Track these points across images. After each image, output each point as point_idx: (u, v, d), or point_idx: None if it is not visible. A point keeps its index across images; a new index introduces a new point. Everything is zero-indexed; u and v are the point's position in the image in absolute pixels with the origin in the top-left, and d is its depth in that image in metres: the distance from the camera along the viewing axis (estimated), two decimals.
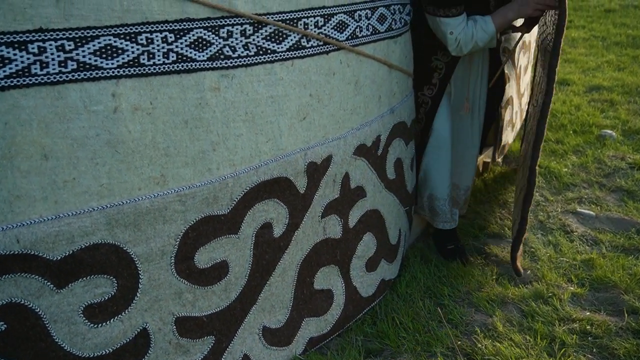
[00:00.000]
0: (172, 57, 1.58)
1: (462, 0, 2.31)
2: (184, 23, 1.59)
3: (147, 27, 1.53)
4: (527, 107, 3.63)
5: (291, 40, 1.81)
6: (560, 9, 2.24)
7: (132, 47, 1.52)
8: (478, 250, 2.92)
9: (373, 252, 2.33)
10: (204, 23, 1.62)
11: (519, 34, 2.82)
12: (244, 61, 1.71)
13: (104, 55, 1.48)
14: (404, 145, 2.43)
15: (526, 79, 4.01)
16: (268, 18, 1.74)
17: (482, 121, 2.89)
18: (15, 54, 1.37)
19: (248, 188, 1.79)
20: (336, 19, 1.95)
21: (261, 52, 1.75)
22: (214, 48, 1.65)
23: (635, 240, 2.94)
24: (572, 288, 2.56)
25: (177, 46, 1.58)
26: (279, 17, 1.77)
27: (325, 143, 1.99)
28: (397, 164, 2.39)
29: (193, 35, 1.61)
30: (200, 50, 1.63)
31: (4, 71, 1.36)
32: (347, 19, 1.98)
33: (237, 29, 1.68)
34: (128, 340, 1.64)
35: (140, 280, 1.63)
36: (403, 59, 2.34)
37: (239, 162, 1.76)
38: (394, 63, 2.26)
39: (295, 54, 1.83)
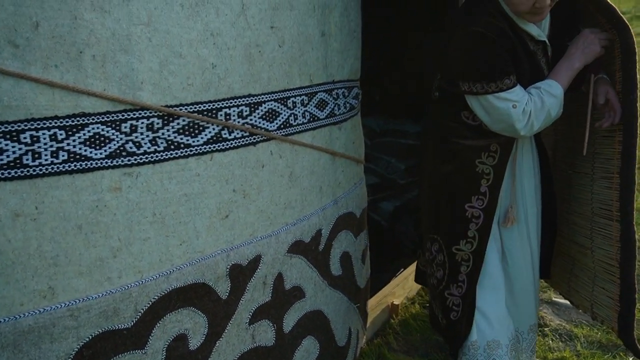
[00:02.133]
0: (63, 156, 1.44)
1: (512, 67, 1.98)
2: (78, 118, 1.45)
3: (31, 125, 1.39)
4: None
5: (209, 132, 1.68)
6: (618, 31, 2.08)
7: (13, 147, 1.37)
8: None
9: (315, 357, 2.13)
10: (102, 118, 1.49)
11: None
12: (152, 157, 1.57)
13: None
14: (352, 237, 2.26)
15: None
16: (181, 110, 1.61)
17: (539, 236, 2.35)
18: None
19: (157, 297, 1.62)
20: (265, 107, 1.82)
21: (172, 147, 1.60)
22: (115, 144, 1.51)
23: (613, 335, 2.75)
24: None
25: (68, 144, 1.44)
26: (195, 108, 1.64)
27: (252, 242, 1.83)
28: (344, 258, 2.22)
29: (89, 131, 1.47)
30: (98, 147, 1.48)
31: None
32: (278, 107, 1.86)
33: (142, 122, 1.55)
34: None
35: None
36: (350, 145, 2.21)
37: (146, 269, 1.60)
38: (338, 151, 2.13)
39: (214, 147, 1.69)
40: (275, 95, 1.85)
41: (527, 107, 1.99)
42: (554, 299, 3.07)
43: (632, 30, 2.08)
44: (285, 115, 1.88)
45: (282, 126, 1.87)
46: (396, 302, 3.05)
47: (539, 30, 2.09)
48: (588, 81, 2.17)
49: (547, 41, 2.12)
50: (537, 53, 2.10)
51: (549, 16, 2.14)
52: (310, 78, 1.97)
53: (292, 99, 1.90)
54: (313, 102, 1.99)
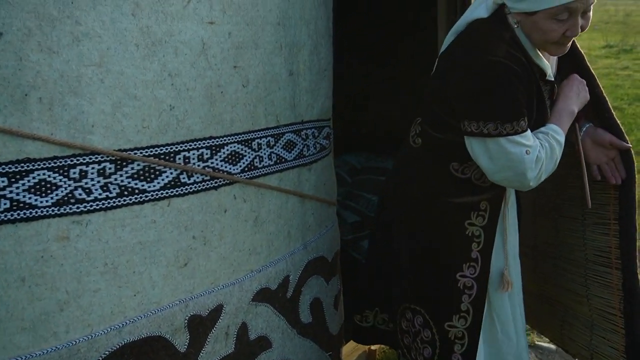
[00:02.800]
0: (5, 204, 1.36)
1: (525, 107, 1.81)
2: (22, 164, 1.38)
3: None
4: None
5: (167, 177, 1.61)
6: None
7: None
8: None
9: None
10: (49, 163, 1.42)
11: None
12: (103, 204, 1.50)
13: None
14: (323, 283, 2.19)
15: None
16: (135, 154, 1.54)
17: (521, 292, 2.17)
18: None
19: (107, 352, 1.53)
20: (228, 149, 1.76)
21: (126, 193, 1.54)
22: (62, 191, 1.44)
23: None
24: None
25: (11, 192, 1.37)
26: (151, 151, 1.57)
27: (213, 291, 1.75)
28: (315, 305, 2.14)
29: (34, 177, 1.40)
30: (43, 194, 1.41)
31: None
32: (242, 149, 1.80)
33: (93, 168, 1.48)
34: None
35: None
36: (321, 186, 2.15)
37: (96, 322, 1.51)
38: (308, 193, 2.07)
39: (172, 192, 1.62)
40: (239, 137, 1.79)
41: (540, 154, 1.81)
42: (537, 342, 2.99)
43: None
44: (249, 157, 1.82)
45: (246, 169, 1.81)
46: (374, 348, 2.96)
47: (549, 66, 1.95)
48: (574, 130, 2.06)
49: (555, 82, 2.00)
50: (544, 94, 1.95)
51: (554, 58, 2.03)
52: (277, 118, 1.91)
53: (257, 140, 1.85)
54: (280, 144, 1.93)
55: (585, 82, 2.01)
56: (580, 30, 1.78)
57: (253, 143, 1.83)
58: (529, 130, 1.81)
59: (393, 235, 2.13)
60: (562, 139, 1.89)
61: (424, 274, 2.04)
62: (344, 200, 3.84)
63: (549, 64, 1.93)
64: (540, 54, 1.89)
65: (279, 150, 1.92)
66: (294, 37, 1.95)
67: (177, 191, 1.64)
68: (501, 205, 1.99)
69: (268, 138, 1.89)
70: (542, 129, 1.90)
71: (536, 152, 1.80)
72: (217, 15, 1.68)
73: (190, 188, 1.67)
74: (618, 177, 2.04)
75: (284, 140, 1.95)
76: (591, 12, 1.80)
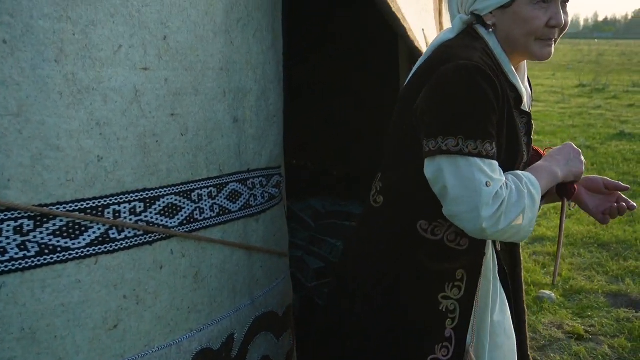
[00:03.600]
0: None
1: (496, 132, 1.60)
2: None
3: None
4: None
5: (94, 233, 1.52)
6: None
7: None
8: None
9: None
10: None
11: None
12: (20, 264, 1.39)
13: None
14: (273, 339, 2.08)
15: None
16: (58, 209, 1.44)
17: None
18: None
19: None
20: (164, 202, 1.67)
21: (47, 251, 1.43)
22: None
23: None
24: None
25: None
26: (76, 206, 1.48)
27: (147, 354, 1.64)
28: None
29: None
30: None
31: None
32: (180, 201, 1.71)
33: (9, 225, 1.38)
34: None
35: None
36: (270, 237, 2.06)
37: None
38: (256, 245, 1.97)
39: (99, 249, 1.53)
40: (177, 189, 1.70)
41: (501, 191, 1.55)
42: None
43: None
44: (188, 209, 1.73)
45: (185, 222, 1.72)
46: None
47: (525, 93, 1.77)
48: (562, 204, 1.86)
49: (531, 118, 1.81)
50: (519, 127, 1.74)
51: (528, 89, 1.85)
52: (220, 168, 1.83)
53: (197, 191, 1.76)
54: (224, 194, 1.85)
55: (580, 153, 1.79)
56: (564, 24, 1.68)
57: (193, 194, 1.75)
58: (496, 162, 1.58)
59: (354, 306, 1.81)
60: (537, 195, 1.63)
61: (391, 354, 1.75)
62: (308, 246, 3.75)
63: (524, 90, 1.76)
64: (517, 74, 1.74)
65: (222, 201, 1.84)
66: (239, 83, 1.89)
67: (105, 248, 1.54)
68: (480, 274, 1.74)
69: (210, 188, 1.80)
70: (517, 171, 1.67)
71: (497, 188, 1.55)
72: (152, 61, 1.61)
73: (121, 244, 1.57)
74: (632, 206, 1.85)
75: (228, 191, 1.86)
76: (569, 17, 1.72)
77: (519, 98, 1.74)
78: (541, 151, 1.90)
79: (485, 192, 1.53)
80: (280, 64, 2.10)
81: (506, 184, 1.59)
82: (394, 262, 1.75)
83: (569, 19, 1.73)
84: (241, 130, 1.91)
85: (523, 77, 1.82)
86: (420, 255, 1.71)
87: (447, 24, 3.25)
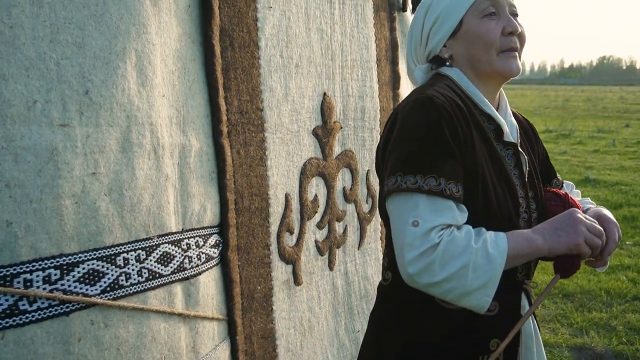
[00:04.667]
0: None
1: (455, 170, 1.46)
2: None
3: None
4: None
5: (0, 305, 1.39)
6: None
7: None
8: None
9: None
10: None
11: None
12: None
13: None
14: None
15: None
16: None
17: None
18: None
19: None
20: (84, 268, 1.56)
21: None
22: None
23: None
24: None
25: None
26: None
27: None
28: None
29: None
30: None
31: None
32: (103, 267, 1.60)
33: None
34: None
35: None
36: (208, 301, 1.95)
37: None
38: (191, 310, 1.86)
39: (7, 322, 1.41)
40: (99, 253, 1.59)
41: (435, 235, 1.39)
42: None
43: None
44: (112, 275, 1.62)
45: (108, 289, 1.61)
46: None
47: (507, 123, 1.68)
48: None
49: (519, 148, 1.67)
50: (505, 159, 1.62)
51: (514, 121, 1.74)
52: (149, 229, 1.73)
53: (122, 255, 1.65)
54: (153, 257, 1.74)
55: (581, 222, 1.50)
56: (520, 31, 1.63)
57: (118, 259, 1.64)
58: (451, 201, 1.43)
59: None
60: (499, 258, 1.42)
61: None
62: None
63: (502, 120, 1.66)
64: (491, 105, 1.66)
65: (151, 265, 1.73)
66: (173, 138, 1.80)
67: (14, 321, 1.42)
68: (520, 340, 1.58)
69: (138, 252, 1.69)
70: (482, 229, 1.48)
71: (429, 227, 1.39)
72: (71, 117, 1.52)
73: (32, 316, 1.45)
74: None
75: (159, 253, 1.76)
76: (524, 30, 1.67)
77: (499, 129, 1.64)
78: (561, 192, 1.75)
79: (410, 232, 1.40)
80: (221, 119, 2.02)
81: (452, 230, 1.43)
82: (413, 344, 1.61)
83: (524, 31, 1.69)
84: (174, 188, 1.81)
85: (505, 109, 1.75)
86: (443, 329, 1.58)
87: (404, 73, 3.23)
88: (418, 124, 1.49)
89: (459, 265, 1.40)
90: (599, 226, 1.53)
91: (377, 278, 2.95)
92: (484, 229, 1.49)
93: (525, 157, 1.69)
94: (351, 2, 2.70)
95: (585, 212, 1.69)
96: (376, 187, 2.98)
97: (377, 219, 3.00)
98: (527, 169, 1.69)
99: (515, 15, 1.68)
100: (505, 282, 1.48)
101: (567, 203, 1.68)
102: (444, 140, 1.47)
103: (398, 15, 3.12)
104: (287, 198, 2.35)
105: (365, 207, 2.92)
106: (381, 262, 3.00)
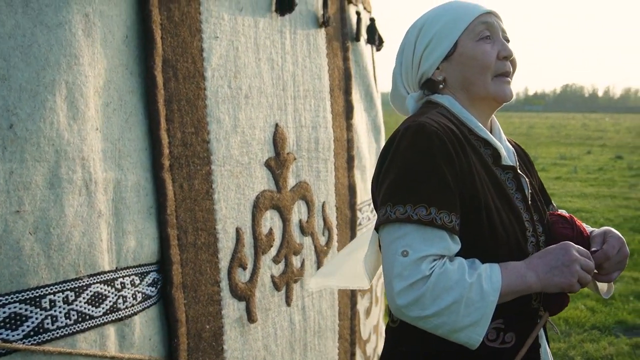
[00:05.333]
0: None
1: (450, 199, 1.41)
2: None
3: None
4: None
5: None
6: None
7: None
8: None
9: None
10: None
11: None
12: None
13: None
14: None
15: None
16: None
17: None
18: None
19: None
20: (4, 312, 1.47)
21: None
22: None
23: None
24: None
25: None
26: None
27: None
28: None
29: None
30: None
31: None
32: (25, 310, 1.51)
33: None
34: None
35: None
36: (145, 342, 1.85)
37: None
38: (124, 354, 1.76)
39: None
40: (22, 295, 1.50)
41: (426, 266, 1.35)
42: None
43: None
44: (37, 318, 1.53)
45: (32, 333, 1.51)
46: None
47: (503, 147, 1.64)
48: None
49: (518, 170, 1.65)
50: (506, 183, 1.59)
51: (509, 145, 1.74)
52: (79, 269, 1.64)
53: (49, 297, 1.56)
54: (83, 298, 1.65)
55: (576, 261, 1.45)
56: (514, 56, 1.62)
57: (43, 301, 1.54)
58: (444, 232, 1.38)
59: None
60: (492, 295, 1.37)
61: None
62: None
63: (499, 143, 1.63)
64: (486, 129, 1.63)
65: (81, 306, 1.64)
66: (108, 173, 1.72)
67: None
68: None
69: (66, 293, 1.60)
70: (476, 261, 1.43)
71: (420, 255, 1.35)
72: None
73: None
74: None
75: (90, 294, 1.66)
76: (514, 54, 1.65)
77: (496, 154, 1.61)
78: (567, 215, 1.71)
79: (399, 262, 1.36)
80: (161, 152, 1.95)
81: (444, 261, 1.38)
82: None
83: (517, 65, 1.69)
84: (108, 225, 1.73)
85: (499, 134, 1.73)
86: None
87: (358, 103, 3.20)
88: (409, 151, 1.46)
89: (450, 300, 1.36)
90: (591, 262, 1.49)
91: (330, 312, 2.88)
92: (478, 261, 1.45)
93: (527, 179, 1.67)
94: (303, 32, 2.66)
95: (591, 233, 1.69)
96: (332, 219, 2.92)
97: (333, 252, 2.94)
98: (530, 191, 1.66)
99: (507, 40, 1.68)
100: (520, 310, 1.49)
101: (574, 226, 1.66)
102: (436, 168, 1.43)
103: (351, 45, 3.09)
104: (238, 232, 2.28)
105: (322, 240, 2.85)
106: (336, 295, 2.95)
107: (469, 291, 1.36)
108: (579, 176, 15.47)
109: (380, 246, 1.60)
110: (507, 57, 1.63)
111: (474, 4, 1.69)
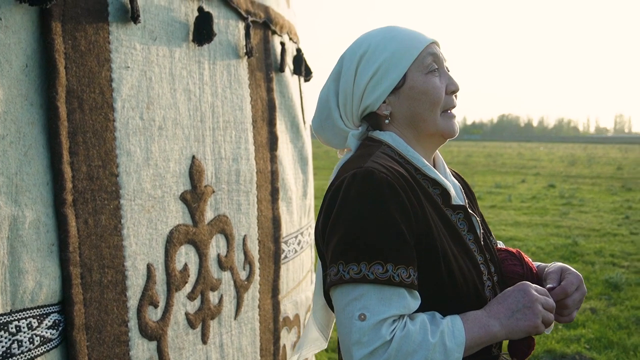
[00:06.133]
0: None
1: (405, 249, 1.32)
2: None
3: None
4: None
5: None
6: None
7: None
8: None
9: None
10: None
11: None
12: None
13: None
14: None
15: None
16: None
17: None
18: None
19: None
20: None
21: None
22: None
23: None
24: None
25: None
26: None
27: None
28: None
29: None
30: None
31: None
32: None
33: None
34: None
35: None
36: None
37: None
38: None
39: None
40: None
41: (387, 330, 1.27)
42: None
43: None
44: None
45: None
46: None
47: (450, 184, 1.58)
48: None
49: (469, 209, 1.59)
50: (457, 225, 1.52)
51: (456, 181, 1.69)
52: None
53: None
54: None
55: (537, 301, 1.41)
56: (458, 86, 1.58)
57: None
58: (403, 289, 1.29)
59: None
60: (456, 352, 1.31)
61: None
62: None
63: (448, 182, 1.56)
64: (432, 167, 1.56)
65: None
66: (3, 210, 1.64)
67: None
68: None
69: None
70: (437, 314, 1.37)
71: (379, 319, 1.26)
72: None
73: None
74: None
75: None
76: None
77: (445, 193, 1.54)
78: (514, 250, 1.67)
79: (356, 328, 1.26)
80: (65, 184, 1.87)
81: (405, 322, 1.31)
82: None
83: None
84: (2, 265, 1.64)
85: (443, 170, 1.67)
86: None
87: (284, 134, 3.19)
88: (358, 202, 1.34)
89: None
90: (551, 300, 1.46)
91: (250, 349, 2.82)
92: (439, 316, 1.38)
93: (478, 218, 1.60)
94: (223, 63, 2.64)
95: (544, 270, 1.64)
96: (254, 253, 2.88)
97: (254, 287, 2.89)
98: (482, 231, 1.60)
99: (448, 70, 1.62)
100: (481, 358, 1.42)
101: (523, 262, 1.63)
102: (390, 220, 1.33)
103: (276, 75, 3.09)
104: (149, 269, 2.20)
105: (243, 274, 2.80)
106: (258, 331, 2.89)
107: (433, 352, 1.29)
108: (513, 204, 15.87)
109: (327, 301, 1.52)
110: (454, 92, 1.59)
111: (418, 33, 1.61)
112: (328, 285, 1.37)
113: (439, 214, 1.47)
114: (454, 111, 1.62)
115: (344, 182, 1.40)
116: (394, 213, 1.33)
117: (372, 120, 1.60)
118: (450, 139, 1.61)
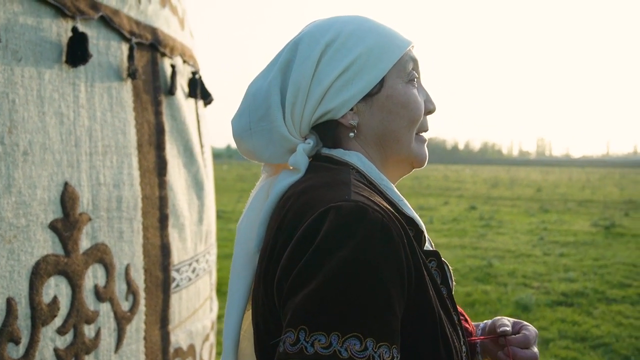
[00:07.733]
0: None
1: (392, 329, 0.97)
2: None
3: None
4: None
5: None
6: None
7: None
8: None
9: None
10: None
11: None
12: None
13: None
14: None
15: None
16: None
17: None
18: None
19: None
20: None
21: None
22: None
23: None
24: None
25: None
26: None
27: None
28: None
29: None
30: None
31: None
32: None
33: None
34: None
35: None
36: None
37: None
38: None
39: None
40: None
41: None
42: None
43: None
44: None
45: None
46: None
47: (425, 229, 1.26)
48: None
49: (441, 258, 1.23)
50: (433, 276, 1.17)
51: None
52: None
53: None
54: None
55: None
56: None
57: None
58: None
59: None
60: None
61: None
62: None
63: (422, 223, 1.22)
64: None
65: None
66: None
67: None
68: None
69: None
70: None
71: None
72: None
73: None
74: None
75: None
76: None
77: (419, 235, 1.19)
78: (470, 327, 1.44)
79: None
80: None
81: None
82: None
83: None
84: None
85: (405, 204, 1.30)
86: None
87: (175, 158, 3.11)
88: (345, 249, 0.97)
89: None
90: (535, 350, 1.32)
91: None
92: None
93: (450, 267, 1.26)
94: (102, 85, 2.55)
95: (484, 328, 1.44)
96: (139, 282, 2.77)
97: (139, 317, 2.78)
98: (453, 283, 1.26)
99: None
100: None
101: (466, 317, 1.42)
102: (381, 279, 0.98)
103: (166, 98, 3.01)
104: (9, 303, 2.07)
105: (125, 305, 2.69)
106: None
107: None
108: (434, 226, 16.17)
109: None
110: (431, 112, 1.30)
111: (396, 32, 1.25)
112: (280, 357, 0.99)
113: (424, 265, 1.13)
114: (425, 136, 1.33)
115: (324, 217, 1.03)
116: (388, 271, 1.00)
117: (326, 131, 1.24)
118: (418, 168, 1.35)
